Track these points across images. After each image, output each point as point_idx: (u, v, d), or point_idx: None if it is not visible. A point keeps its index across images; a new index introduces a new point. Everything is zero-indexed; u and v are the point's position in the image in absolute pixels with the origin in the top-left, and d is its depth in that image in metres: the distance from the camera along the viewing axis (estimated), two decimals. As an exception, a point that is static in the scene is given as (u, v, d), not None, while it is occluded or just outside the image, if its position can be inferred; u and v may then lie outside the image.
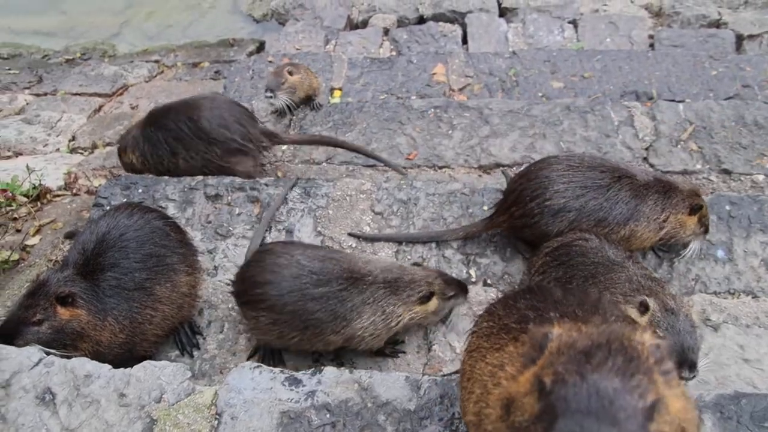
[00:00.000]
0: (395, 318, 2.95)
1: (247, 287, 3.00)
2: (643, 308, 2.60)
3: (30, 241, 4.10)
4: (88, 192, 4.57)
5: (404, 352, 3.11)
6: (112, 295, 2.93)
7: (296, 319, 2.87)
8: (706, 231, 3.33)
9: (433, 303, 3.01)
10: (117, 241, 2.99)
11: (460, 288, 3.12)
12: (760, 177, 4.24)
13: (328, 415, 2.37)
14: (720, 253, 3.43)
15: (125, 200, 3.86)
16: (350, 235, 3.55)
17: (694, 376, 2.52)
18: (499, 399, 1.52)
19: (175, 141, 4.11)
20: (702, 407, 2.30)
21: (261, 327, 2.99)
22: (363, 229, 3.61)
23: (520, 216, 3.21)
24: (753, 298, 3.27)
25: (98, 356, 2.82)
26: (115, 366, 2.64)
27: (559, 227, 3.15)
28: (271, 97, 4.63)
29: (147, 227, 3.08)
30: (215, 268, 3.58)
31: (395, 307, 2.93)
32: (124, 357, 2.96)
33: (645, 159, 4.38)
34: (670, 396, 1.36)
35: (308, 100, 4.84)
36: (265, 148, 4.29)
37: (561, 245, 3.02)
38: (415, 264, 3.22)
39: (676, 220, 3.22)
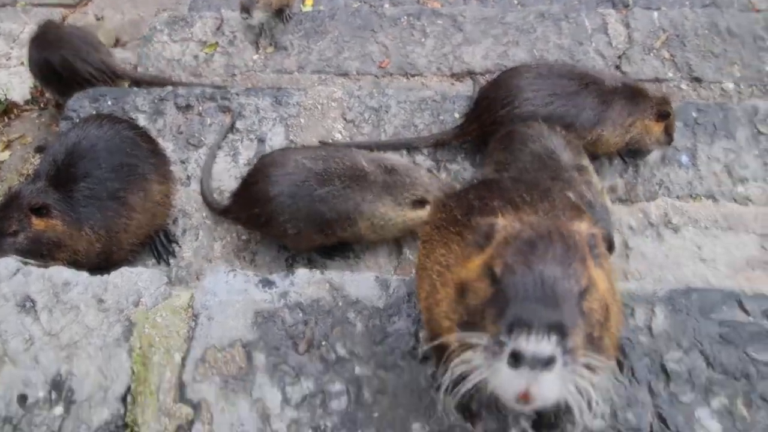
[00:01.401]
0: (388, 220, 3.03)
1: (262, 208, 3.07)
2: None
3: (0, 157, 4.06)
4: (56, 105, 4.50)
5: (347, 257, 3.26)
6: (87, 206, 2.96)
7: (312, 222, 3.01)
8: (671, 139, 3.40)
9: (426, 212, 2.97)
10: (88, 152, 2.99)
11: None
12: (730, 85, 4.28)
13: (300, 314, 2.46)
14: (684, 159, 3.52)
15: (94, 112, 3.82)
16: (321, 143, 3.57)
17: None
18: (452, 286, 1.63)
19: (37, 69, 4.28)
20: (656, 301, 2.43)
21: (289, 237, 3.10)
22: (335, 137, 3.63)
23: (490, 124, 3.25)
24: (713, 201, 3.39)
25: (76, 266, 2.87)
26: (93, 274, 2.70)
27: (529, 134, 3.21)
28: (246, 18, 4.41)
29: (117, 137, 3.07)
30: (188, 177, 3.59)
31: (388, 208, 3.01)
32: (101, 267, 3.02)
33: (617, 67, 4.38)
34: (599, 278, 1.51)
35: (280, 12, 4.65)
36: (103, 81, 4.25)
37: (508, 132, 3.12)
38: (430, 170, 3.27)
39: (643, 125, 3.29)
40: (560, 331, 1.32)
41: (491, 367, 1.35)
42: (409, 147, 3.52)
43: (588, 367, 1.37)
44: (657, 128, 3.33)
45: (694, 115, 3.64)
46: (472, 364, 1.40)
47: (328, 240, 3.12)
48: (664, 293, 2.45)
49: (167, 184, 3.25)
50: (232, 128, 3.70)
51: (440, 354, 1.63)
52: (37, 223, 2.84)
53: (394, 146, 3.54)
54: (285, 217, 3.02)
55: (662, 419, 2.26)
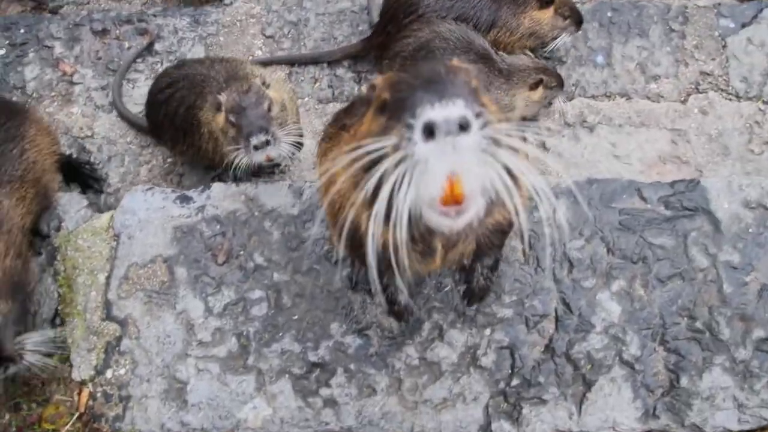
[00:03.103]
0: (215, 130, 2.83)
1: (154, 127, 3.18)
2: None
3: None
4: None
5: (273, 173, 3.29)
6: None
7: (175, 132, 3.05)
8: (574, 23, 3.43)
9: (221, 118, 2.73)
10: None
11: (241, 134, 2.65)
12: (650, -19, 4.32)
13: (218, 226, 2.53)
14: (599, 59, 3.57)
15: (7, 42, 3.71)
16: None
17: None
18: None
19: None
20: (558, 193, 2.55)
21: (186, 153, 3.16)
22: (255, 54, 3.60)
23: (396, 33, 3.25)
24: (626, 99, 3.47)
25: None
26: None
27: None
28: None
29: None
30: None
31: (208, 116, 2.83)
32: None
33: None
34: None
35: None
36: None
37: (419, 47, 3.12)
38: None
39: (530, 17, 3.34)
40: (465, 97, 1.20)
41: (405, 156, 1.19)
42: (320, 61, 3.52)
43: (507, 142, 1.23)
44: (545, 16, 3.37)
45: (609, 14, 3.67)
46: (384, 170, 1.21)
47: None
48: (567, 185, 2.57)
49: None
50: (150, 50, 3.63)
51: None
52: None
53: (306, 60, 3.53)
54: (162, 130, 3.13)
55: (566, 304, 2.42)
